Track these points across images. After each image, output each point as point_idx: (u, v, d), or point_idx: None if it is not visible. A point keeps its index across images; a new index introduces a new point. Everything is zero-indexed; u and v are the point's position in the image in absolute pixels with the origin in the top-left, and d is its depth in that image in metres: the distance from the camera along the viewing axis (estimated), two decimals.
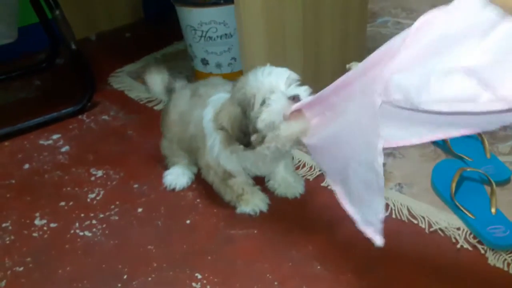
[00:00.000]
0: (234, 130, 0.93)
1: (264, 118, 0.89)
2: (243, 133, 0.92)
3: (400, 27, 1.92)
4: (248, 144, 0.94)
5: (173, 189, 1.18)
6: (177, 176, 1.20)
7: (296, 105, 0.88)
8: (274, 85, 0.90)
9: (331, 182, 1.01)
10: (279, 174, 1.13)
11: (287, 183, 1.13)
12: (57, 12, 1.46)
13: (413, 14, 2.05)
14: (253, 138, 0.92)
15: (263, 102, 0.89)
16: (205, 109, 1.05)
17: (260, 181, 1.15)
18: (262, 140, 0.93)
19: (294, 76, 0.93)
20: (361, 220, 0.96)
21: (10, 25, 1.81)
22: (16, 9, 1.79)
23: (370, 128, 0.75)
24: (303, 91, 0.90)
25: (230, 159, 1.03)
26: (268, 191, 1.14)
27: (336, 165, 0.97)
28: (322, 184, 1.16)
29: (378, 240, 0.82)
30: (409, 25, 0.67)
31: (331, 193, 1.11)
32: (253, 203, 1.09)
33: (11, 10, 1.78)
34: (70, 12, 1.67)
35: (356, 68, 0.77)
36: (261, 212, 1.09)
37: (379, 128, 0.73)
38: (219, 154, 1.03)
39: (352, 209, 1.00)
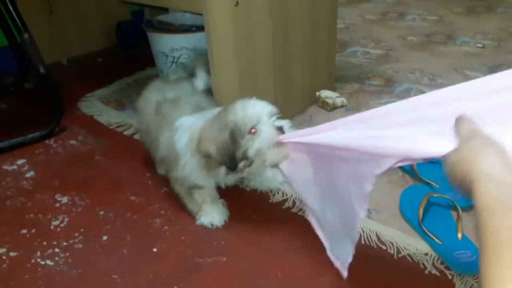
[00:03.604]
0: (223, 157, 0.98)
1: (256, 146, 0.97)
2: (231, 159, 0.98)
3: (369, 57, 1.98)
4: (234, 169, 1.00)
5: None
6: None
7: (282, 137, 0.97)
8: (260, 116, 0.98)
9: (304, 205, 1.04)
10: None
11: (266, 178, 1.22)
12: (26, 35, 1.44)
13: (381, 44, 2.12)
14: (241, 164, 0.99)
15: (249, 131, 0.97)
16: (176, 134, 1.06)
17: (225, 196, 1.16)
18: (249, 165, 1.00)
19: (275, 110, 1.01)
20: (330, 250, 0.99)
21: None
22: None
23: (356, 201, 0.83)
24: (286, 124, 1.00)
25: (202, 176, 1.06)
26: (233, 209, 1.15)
27: (314, 201, 0.99)
28: (292, 211, 1.15)
29: (344, 273, 0.93)
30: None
31: (302, 220, 1.11)
32: (212, 215, 1.12)
33: None
34: (41, 36, 1.65)
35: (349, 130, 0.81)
36: (230, 239, 1.07)
37: (365, 206, 0.82)
38: (191, 172, 1.05)
39: (323, 235, 1.02)
